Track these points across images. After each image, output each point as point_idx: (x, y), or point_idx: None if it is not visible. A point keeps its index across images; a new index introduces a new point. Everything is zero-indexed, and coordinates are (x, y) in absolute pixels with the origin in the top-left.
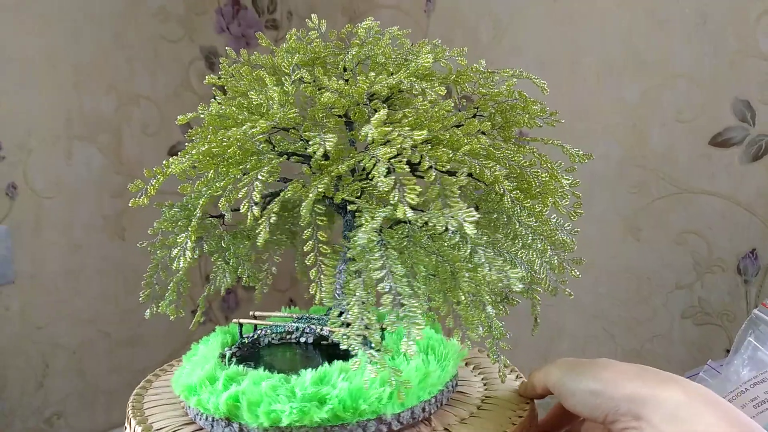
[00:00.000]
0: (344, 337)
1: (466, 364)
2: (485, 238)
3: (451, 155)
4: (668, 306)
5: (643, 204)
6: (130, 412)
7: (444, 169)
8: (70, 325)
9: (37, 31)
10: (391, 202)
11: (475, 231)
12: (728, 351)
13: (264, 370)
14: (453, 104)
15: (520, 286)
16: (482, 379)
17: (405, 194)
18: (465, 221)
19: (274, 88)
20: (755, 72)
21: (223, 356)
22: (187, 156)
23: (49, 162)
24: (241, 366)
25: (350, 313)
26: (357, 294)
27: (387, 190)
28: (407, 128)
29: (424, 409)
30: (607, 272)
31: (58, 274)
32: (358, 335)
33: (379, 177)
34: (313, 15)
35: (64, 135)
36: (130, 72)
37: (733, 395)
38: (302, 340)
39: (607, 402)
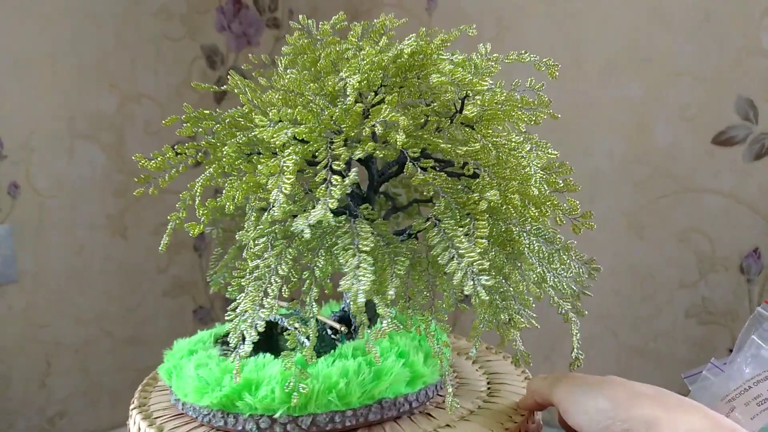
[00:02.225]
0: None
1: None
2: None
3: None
4: (672, 304)
5: (646, 202)
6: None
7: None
8: (73, 324)
9: (39, 32)
10: (319, 197)
11: (309, 234)
12: (731, 350)
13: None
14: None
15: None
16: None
17: (331, 194)
18: (307, 225)
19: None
20: (759, 70)
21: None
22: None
23: (51, 161)
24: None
25: (241, 306)
26: (249, 290)
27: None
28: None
29: (332, 420)
30: (610, 270)
31: (60, 273)
32: (243, 331)
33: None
34: (301, 16)
35: (66, 134)
36: (132, 71)
37: (737, 393)
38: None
39: (619, 424)
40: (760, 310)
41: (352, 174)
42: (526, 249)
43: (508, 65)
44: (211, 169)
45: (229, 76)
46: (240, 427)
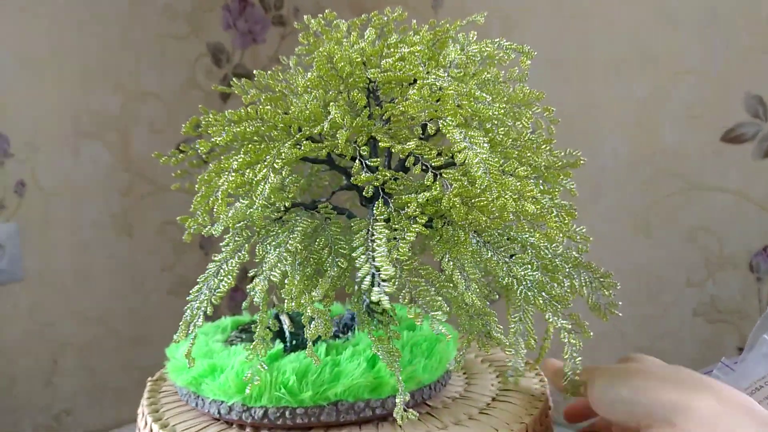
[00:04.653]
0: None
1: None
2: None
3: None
4: (679, 304)
5: (653, 201)
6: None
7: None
8: (78, 322)
9: (45, 31)
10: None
11: (216, 233)
12: (740, 349)
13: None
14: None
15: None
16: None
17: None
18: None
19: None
20: (767, 67)
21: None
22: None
23: (56, 160)
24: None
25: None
26: (199, 281)
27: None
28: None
29: (283, 415)
30: (617, 270)
31: (66, 272)
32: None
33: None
34: (306, 16)
35: (71, 133)
36: (137, 69)
37: (748, 392)
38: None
39: (641, 409)
40: None
41: (276, 174)
42: (470, 254)
43: (514, 62)
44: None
45: (232, 80)
46: (206, 410)
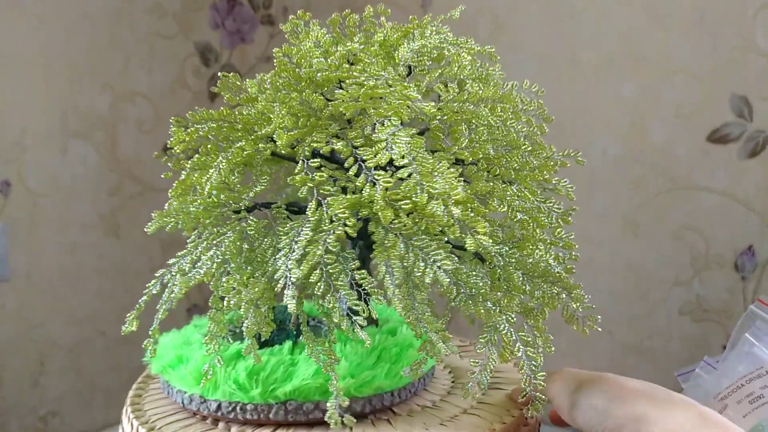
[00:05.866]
0: None
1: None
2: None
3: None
4: (666, 302)
5: (641, 200)
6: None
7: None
8: (66, 323)
9: (33, 30)
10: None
11: (150, 231)
12: (725, 347)
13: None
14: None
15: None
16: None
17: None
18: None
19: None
20: (753, 68)
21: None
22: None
23: (44, 160)
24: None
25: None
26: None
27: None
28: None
29: (234, 409)
30: (605, 269)
31: (53, 272)
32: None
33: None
34: (291, 16)
35: (59, 133)
36: (126, 69)
37: (729, 391)
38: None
39: (612, 420)
40: (753, 308)
41: (214, 176)
42: (397, 259)
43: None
44: (191, 163)
45: (220, 78)
46: (174, 399)
